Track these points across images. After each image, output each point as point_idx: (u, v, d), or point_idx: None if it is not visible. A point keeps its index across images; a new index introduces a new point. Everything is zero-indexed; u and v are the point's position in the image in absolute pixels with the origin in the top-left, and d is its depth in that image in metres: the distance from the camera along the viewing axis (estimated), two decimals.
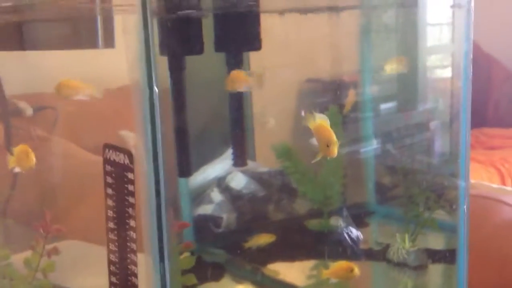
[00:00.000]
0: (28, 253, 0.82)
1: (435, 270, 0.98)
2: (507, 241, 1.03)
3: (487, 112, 3.45)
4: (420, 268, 0.97)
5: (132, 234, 0.53)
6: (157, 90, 0.55)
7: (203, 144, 1.32)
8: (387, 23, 1.35)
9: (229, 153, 1.27)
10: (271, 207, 1.26)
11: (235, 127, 1.14)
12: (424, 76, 1.43)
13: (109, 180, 0.55)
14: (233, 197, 1.26)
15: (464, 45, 0.81)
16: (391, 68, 1.06)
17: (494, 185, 1.66)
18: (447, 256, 0.95)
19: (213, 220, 1.20)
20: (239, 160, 1.21)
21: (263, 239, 1.04)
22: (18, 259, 0.84)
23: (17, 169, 0.75)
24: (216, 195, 1.26)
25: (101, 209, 0.60)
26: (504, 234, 1.04)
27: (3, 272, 0.82)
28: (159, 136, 0.52)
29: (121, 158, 0.53)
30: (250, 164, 1.33)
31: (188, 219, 1.18)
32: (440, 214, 1.00)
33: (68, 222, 1.16)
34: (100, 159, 0.55)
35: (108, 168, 0.54)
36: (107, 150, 0.54)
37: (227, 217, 1.21)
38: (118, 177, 0.53)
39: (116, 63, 0.70)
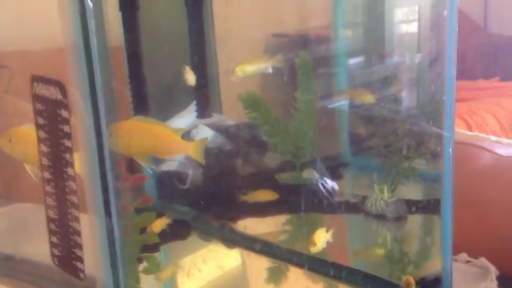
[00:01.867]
0: None
1: (416, 221, 0.93)
2: (487, 186, 0.99)
3: None
4: (400, 219, 0.92)
5: (72, 185, 0.45)
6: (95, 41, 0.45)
7: (164, 97, 1.24)
8: None
9: (193, 106, 1.19)
10: (239, 161, 1.18)
11: (198, 78, 1.07)
12: (398, 27, 1.38)
13: (41, 121, 0.45)
14: None
15: None
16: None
17: (469, 133, 1.63)
18: (429, 206, 0.90)
19: (177, 176, 1.12)
20: (204, 111, 1.13)
21: (263, 196, 0.97)
22: None
23: None
24: None
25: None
26: (484, 180, 1.00)
27: None
28: (97, 73, 0.43)
29: (53, 93, 0.43)
30: (216, 117, 1.25)
31: (150, 176, 1.09)
32: (419, 164, 0.95)
33: (20, 185, 1.08)
34: None
35: (38, 106, 0.45)
36: (35, 84, 0.45)
37: (193, 173, 1.13)
38: (51, 116, 0.44)
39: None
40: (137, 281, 0.71)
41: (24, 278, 0.78)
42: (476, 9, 3.58)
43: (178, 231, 0.97)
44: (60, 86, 0.43)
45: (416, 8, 1.22)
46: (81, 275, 0.49)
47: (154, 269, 0.71)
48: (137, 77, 1.04)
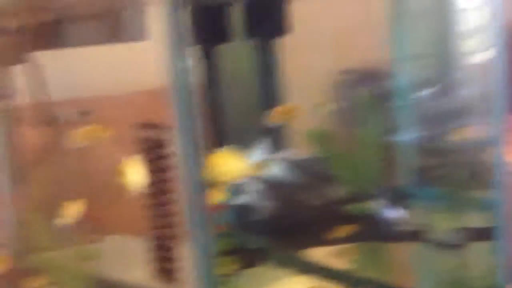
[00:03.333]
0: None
1: (477, 248, 0.97)
2: None
3: None
4: (460, 246, 0.96)
5: (172, 208, 0.55)
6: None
7: (238, 133, 1.33)
8: (419, 8, 1.33)
9: (266, 141, 1.28)
10: (309, 193, 1.26)
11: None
12: (459, 60, 1.40)
13: (147, 157, 0.57)
14: (271, 185, 1.26)
15: (494, 28, 0.79)
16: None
17: None
18: (488, 233, 0.94)
19: (252, 208, 1.21)
20: (276, 146, 1.21)
21: (345, 231, 1.05)
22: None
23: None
24: (255, 184, 1.27)
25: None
26: None
27: (53, 262, 0.85)
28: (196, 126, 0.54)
29: (155, 134, 0.55)
30: (288, 152, 1.34)
31: (229, 212, 1.19)
32: (480, 193, 0.98)
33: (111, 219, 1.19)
34: None
35: (143, 146, 0.56)
36: (142, 128, 0.56)
37: (266, 205, 1.22)
38: (154, 153, 0.55)
39: (151, 57, 0.72)
40: None
41: None
42: None
43: (254, 259, 1.05)
44: (162, 129, 0.54)
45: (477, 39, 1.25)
46: (179, 284, 0.59)
47: None
48: (214, 115, 1.14)
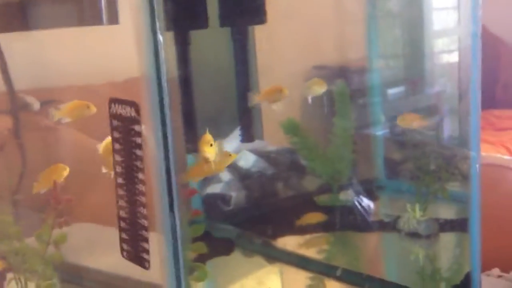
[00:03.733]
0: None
1: (447, 239, 0.98)
2: None
3: (496, 94, 3.42)
4: (431, 237, 0.97)
5: (141, 187, 0.53)
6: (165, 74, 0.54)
7: (210, 123, 1.32)
8: (393, 8, 1.35)
9: (236, 132, 1.28)
10: (280, 184, 1.26)
11: (242, 104, 1.14)
12: (432, 59, 1.43)
13: (116, 134, 0.55)
14: (242, 175, 1.26)
15: (472, 27, 0.80)
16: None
17: (506, 157, 1.66)
18: (459, 225, 0.95)
19: (222, 198, 1.20)
20: (247, 136, 1.21)
21: (314, 218, 1.05)
22: (31, 241, 0.84)
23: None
24: (225, 174, 1.26)
25: (110, 194, 0.60)
26: None
27: (16, 249, 0.83)
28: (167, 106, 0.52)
29: (128, 111, 0.53)
30: (259, 143, 1.33)
31: (198, 198, 1.18)
32: (451, 186, 1.00)
33: (80, 208, 1.17)
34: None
35: (115, 123, 0.54)
36: (113, 105, 0.54)
37: (236, 195, 1.21)
38: (125, 130, 0.53)
39: (121, 42, 0.70)
40: None
41: (91, 286, 0.87)
42: None
43: (223, 248, 1.04)
44: (135, 106, 0.52)
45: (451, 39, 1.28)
46: (147, 264, 0.57)
47: (203, 277, 0.79)
48: (188, 105, 1.13)
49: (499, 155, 1.93)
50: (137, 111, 0.52)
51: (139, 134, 0.52)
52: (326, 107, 1.30)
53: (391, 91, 1.36)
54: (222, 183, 1.24)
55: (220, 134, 1.33)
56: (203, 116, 1.25)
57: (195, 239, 0.78)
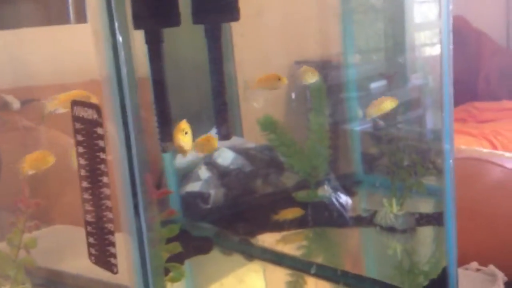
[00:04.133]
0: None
1: (425, 233, 0.98)
2: (498, 201, 1.03)
3: (477, 86, 3.45)
4: (408, 231, 0.97)
5: (106, 191, 0.52)
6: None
7: (187, 121, 1.32)
8: (369, 1, 1.35)
9: (214, 129, 1.27)
10: (259, 181, 1.25)
11: (219, 101, 1.14)
12: (408, 54, 1.44)
13: (79, 138, 0.54)
14: (221, 173, 1.25)
15: (444, 20, 0.81)
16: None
17: (485, 150, 1.67)
18: (436, 219, 0.95)
19: (201, 196, 1.19)
20: (224, 134, 1.20)
21: (291, 213, 1.05)
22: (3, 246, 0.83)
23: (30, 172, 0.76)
24: (204, 172, 1.25)
25: None
26: (494, 194, 1.04)
27: None
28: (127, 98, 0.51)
29: (90, 114, 0.52)
30: (237, 140, 1.33)
31: (176, 197, 1.17)
32: (427, 180, 1.00)
33: (57, 208, 1.16)
34: None
35: (78, 125, 0.53)
36: (75, 107, 0.53)
37: (215, 193, 1.20)
38: (88, 133, 0.52)
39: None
40: None
41: None
42: (499, 30, 3.61)
43: (201, 246, 1.04)
44: (97, 108, 0.51)
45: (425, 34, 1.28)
46: (115, 269, 0.56)
47: (178, 277, 0.78)
48: (162, 104, 1.12)
49: (478, 149, 1.94)
50: (99, 113, 0.51)
51: (101, 137, 0.51)
52: (302, 103, 1.30)
53: (367, 86, 1.36)
54: (201, 181, 1.24)
55: (197, 131, 1.32)
56: (179, 115, 1.24)
57: (171, 239, 0.77)
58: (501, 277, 0.92)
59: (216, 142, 0.80)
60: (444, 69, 0.82)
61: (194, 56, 1.30)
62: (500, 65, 3.48)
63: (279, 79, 0.90)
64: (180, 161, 1.26)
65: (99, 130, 0.52)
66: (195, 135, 1.35)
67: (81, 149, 0.54)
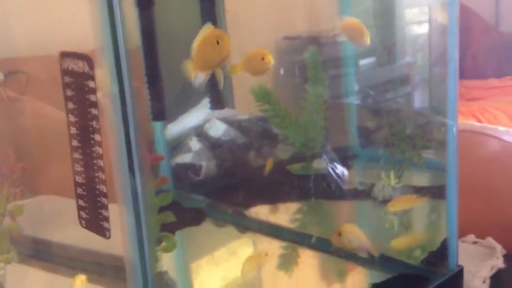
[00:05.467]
0: None
1: (423, 206, 0.96)
2: (494, 171, 1.01)
3: (465, 64, 3.44)
4: None
5: (98, 150, 0.49)
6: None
7: (178, 93, 1.28)
8: None
9: (206, 101, 1.23)
10: (252, 153, 1.22)
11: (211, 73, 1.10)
12: (405, 28, 1.41)
13: (69, 92, 0.50)
14: (212, 144, 1.22)
15: None
16: None
17: (477, 124, 1.66)
18: (435, 192, 0.93)
19: (192, 168, 1.16)
20: (216, 104, 1.17)
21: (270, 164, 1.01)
22: None
23: None
24: (195, 144, 1.22)
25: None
26: (490, 167, 1.02)
27: None
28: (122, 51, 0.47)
29: (80, 66, 0.48)
30: (229, 112, 1.29)
31: (166, 168, 1.14)
32: (426, 153, 0.98)
33: (44, 178, 1.12)
34: None
35: (67, 79, 0.49)
36: (64, 59, 0.49)
37: (206, 165, 1.17)
38: (79, 87, 0.48)
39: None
40: (156, 259, 0.75)
41: (55, 260, 0.83)
42: (488, 8, 3.59)
43: (193, 218, 1.01)
44: (88, 60, 0.47)
45: (423, 9, 1.26)
46: (107, 233, 0.53)
47: (171, 247, 0.75)
48: (153, 74, 1.08)
49: (469, 122, 1.93)
50: (91, 65, 0.47)
51: (93, 90, 0.47)
52: (298, 75, 1.27)
53: (364, 61, 1.33)
54: (192, 153, 1.20)
55: (189, 102, 1.29)
56: (171, 83, 1.20)
57: (163, 209, 0.74)
58: (499, 249, 0.91)
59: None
60: (451, 42, 0.81)
61: (186, 22, 1.25)
62: (488, 44, 3.48)
63: (263, 58, 0.80)
64: (171, 132, 1.23)
65: (91, 84, 0.47)
66: (186, 107, 1.31)
67: (71, 105, 0.50)
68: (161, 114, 0.99)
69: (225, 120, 1.28)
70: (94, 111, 0.48)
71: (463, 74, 3.32)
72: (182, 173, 1.16)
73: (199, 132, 1.26)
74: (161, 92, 1.11)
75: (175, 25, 1.24)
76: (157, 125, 1.14)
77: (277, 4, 1.35)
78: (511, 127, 2.95)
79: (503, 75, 3.29)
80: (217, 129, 1.26)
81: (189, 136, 1.25)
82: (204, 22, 1.17)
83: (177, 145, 1.24)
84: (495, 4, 3.63)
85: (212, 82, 1.17)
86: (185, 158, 1.19)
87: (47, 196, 1.09)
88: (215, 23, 1.16)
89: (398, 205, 0.90)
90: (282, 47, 1.46)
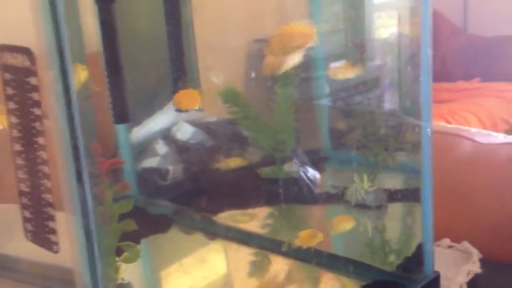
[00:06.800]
0: None
1: (397, 210, 0.94)
2: (468, 173, 0.99)
3: (434, 66, 3.45)
4: (380, 207, 0.92)
5: (43, 155, 0.44)
6: None
7: (143, 96, 1.23)
8: None
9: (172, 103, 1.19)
10: (221, 156, 1.18)
11: (178, 75, 1.07)
12: (376, 31, 1.40)
13: (9, 91, 0.45)
14: (179, 148, 1.17)
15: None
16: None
17: (449, 125, 1.65)
18: (409, 195, 0.91)
19: (158, 172, 1.11)
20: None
21: (234, 162, 0.97)
22: None
23: None
24: (161, 147, 1.17)
25: None
26: (465, 167, 1.00)
27: None
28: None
29: (20, 61, 0.43)
30: (197, 114, 1.25)
31: (130, 172, 1.08)
32: (400, 155, 0.96)
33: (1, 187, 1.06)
34: None
35: (7, 76, 0.44)
36: (1, 54, 0.44)
37: (173, 169, 1.13)
38: (19, 85, 0.43)
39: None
40: (117, 271, 0.70)
41: (7, 275, 0.77)
42: (456, 11, 3.63)
43: (159, 225, 0.96)
44: (28, 53, 0.42)
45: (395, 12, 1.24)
46: (55, 247, 0.48)
47: (134, 257, 0.70)
48: (115, 77, 1.03)
49: (441, 123, 1.92)
50: (31, 60, 0.42)
51: (35, 88, 0.42)
52: (269, 78, 1.24)
53: (336, 62, 1.31)
54: (158, 157, 1.16)
55: (154, 105, 1.24)
56: (135, 86, 1.15)
57: (124, 216, 0.69)
58: (476, 254, 0.88)
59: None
60: (424, 43, 0.79)
61: (150, 23, 1.21)
62: (456, 47, 3.51)
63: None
64: (136, 135, 1.18)
65: (33, 80, 0.42)
66: (150, 109, 1.27)
67: (12, 105, 0.45)
68: (124, 116, 0.94)
69: (193, 122, 1.23)
70: (37, 111, 0.43)
71: (432, 76, 3.35)
72: (148, 178, 1.11)
73: (166, 135, 1.21)
74: (124, 94, 1.05)
75: (138, 23, 1.19)
76: (121, 128, 1.09)
77: (247, 7, 1.33)
78: (481, 129, 2.98)
79: (471, 78, 3.33)
80: (185, 132, 1.21)
81: (155, 140, 1.20)
82: (168, 20, 1.13)
83: (143, 149, 1.19)
84: (463, 8, 3.67)
85: (177, 83, 1.13)
86: (151, 162, 1.14)
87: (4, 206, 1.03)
88: (179, 22, 1.12)
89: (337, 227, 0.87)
90: (254, 50, 1.43)
